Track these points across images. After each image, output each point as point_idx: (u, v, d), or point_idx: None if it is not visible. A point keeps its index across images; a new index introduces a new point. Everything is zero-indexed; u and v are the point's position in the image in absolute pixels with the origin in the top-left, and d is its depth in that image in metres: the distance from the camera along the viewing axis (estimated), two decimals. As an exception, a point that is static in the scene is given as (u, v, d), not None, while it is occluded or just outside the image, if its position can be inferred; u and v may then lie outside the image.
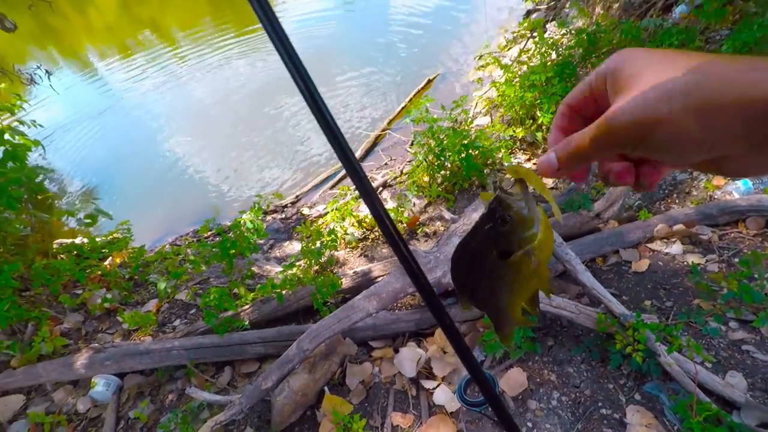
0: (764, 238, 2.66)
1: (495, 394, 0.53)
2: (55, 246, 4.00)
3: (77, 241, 4.13)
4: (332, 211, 4.10)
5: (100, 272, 3.68)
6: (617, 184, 0.44)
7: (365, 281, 3.05)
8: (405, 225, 3.86)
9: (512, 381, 2.28)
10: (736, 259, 2.54)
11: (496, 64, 4.51)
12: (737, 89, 0.31)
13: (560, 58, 4.25)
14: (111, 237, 4.19)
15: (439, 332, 2.66)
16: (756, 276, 2.27)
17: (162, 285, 3.33)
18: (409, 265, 0.47)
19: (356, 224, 3.95)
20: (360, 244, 3.86)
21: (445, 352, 2.55)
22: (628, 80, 0.37)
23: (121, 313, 3.31)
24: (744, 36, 3.15)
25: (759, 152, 0.33)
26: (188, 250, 3.96)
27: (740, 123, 0.32)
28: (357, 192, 4.27)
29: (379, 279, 2.99)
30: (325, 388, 2.49)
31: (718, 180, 3.10)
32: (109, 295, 3.48)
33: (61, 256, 3.87)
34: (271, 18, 0.38)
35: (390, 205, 4.22)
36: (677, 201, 3.17)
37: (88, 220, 3.70)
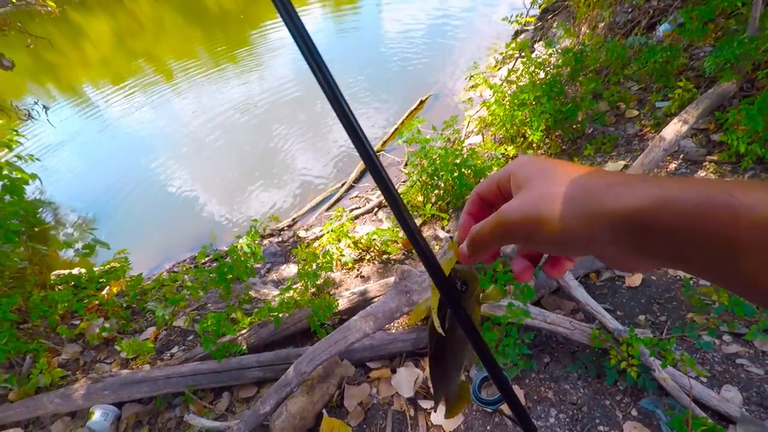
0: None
1: (511, 390, 0.55)
2: (52, 277, 4.01)
3: (75, 271, 4.14)
4: (328, 233, 4.13)
5: (97, 302, 3.69)
6: (519, 280, 0.50)
7: (362, 302, 3.07)
8: (400, 245, 3.89)
9: (510, 399, 2.28)
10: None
11: (486, 84, 4.60)
12: (603, 201, 0.36)
13: (548, 77, 4.34)
14: (108, 266, 4.20)
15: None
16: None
17: (160, 312, 3.34)
18: (422, 249, 0.50)
19: (352, 245, 3.98)
20: (356, 265, 3.89)
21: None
22: (524, 182, 0.43)
23: (119, 341, 3.30)
24: (725, 53, 3.22)
25: (629, 255, 0.37)
26: (185, 277, 3.97)
27: (608, 230, 0.36)
28: (356, 212, 4.25)
29: (375, 299, 3.00)
30: (324, 411, 2.49)
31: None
32: (107, 325, 3.49)
33: (59, 287, 3.88)
34: (295, 19, 0.44)
35: (386, 225, 4.25)
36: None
37: (86, 251, 3.72)
